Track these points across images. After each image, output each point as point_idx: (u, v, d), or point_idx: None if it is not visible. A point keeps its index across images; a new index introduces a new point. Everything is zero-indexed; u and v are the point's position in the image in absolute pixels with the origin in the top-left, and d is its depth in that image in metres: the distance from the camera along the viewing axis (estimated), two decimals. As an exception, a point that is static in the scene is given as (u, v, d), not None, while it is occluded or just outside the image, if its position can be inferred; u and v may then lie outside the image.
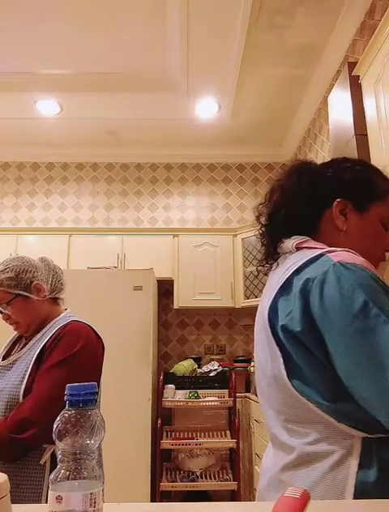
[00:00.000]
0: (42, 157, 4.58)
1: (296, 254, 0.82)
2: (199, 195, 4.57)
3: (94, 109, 3.84)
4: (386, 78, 1.79)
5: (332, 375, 0.70)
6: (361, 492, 0.67)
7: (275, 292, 0.79)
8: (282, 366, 0.75)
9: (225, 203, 4.55)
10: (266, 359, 0.81)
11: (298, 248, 0.83)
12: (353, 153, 2.14)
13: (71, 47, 3.08)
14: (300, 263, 0.77)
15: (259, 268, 0.92)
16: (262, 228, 0.91)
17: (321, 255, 0.76)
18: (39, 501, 1.13)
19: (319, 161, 0.96)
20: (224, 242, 4.07)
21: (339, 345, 0.68)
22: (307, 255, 0.78)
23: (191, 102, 3.75)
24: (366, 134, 2.00)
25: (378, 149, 1.87)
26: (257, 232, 0.92)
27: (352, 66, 2.24)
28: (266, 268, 0.91)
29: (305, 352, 0.73)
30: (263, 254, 0.91)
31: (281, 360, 0.76)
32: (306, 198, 0.87)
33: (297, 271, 0.77)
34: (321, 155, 3.59)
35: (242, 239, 4.03)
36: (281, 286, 0.78)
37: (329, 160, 0.97)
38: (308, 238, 0.84)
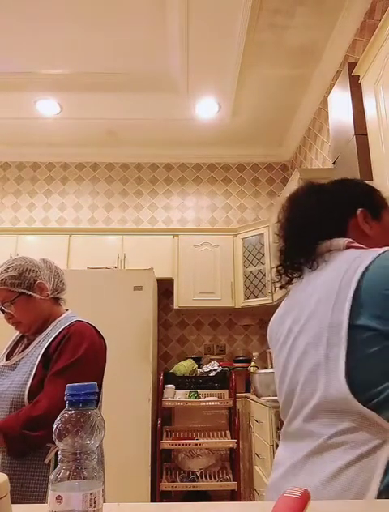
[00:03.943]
0: (42, 157, 4.58)
1: (348, 252, 0.88)
2: (199, 195, 4.57)
3: (94, 109, 3.84)
4: (386, 78, 1.79)
5: None
6: (387, 483, 0.69)
7: (352, 287, 0.79)
8: (342, 353, 0.76)
9: (225, 203, 4.55)
10: (312, 344, 0.82)
11: (348, 247, 0.91)
12: (353, 153, 2.15)
13: (71, 47, 3.08)
14: (367, 262, 0.80)
15: (292, 271, 0.99)
16: (293, 234, 1.00)
17: (383, 252, 0.82)
18: (44, 500, 1.14)
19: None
20: (224, 242, 4.07)
21: None
22: (367, 254, 0.82)
23: (191, 102, 3.75)
24: (366, 134, 2.00)
25: (378, 149, 1.87)
26: (288, 240, 1.01)
27: (352, 66, 2.24)
28: (297, 267, 0.98)
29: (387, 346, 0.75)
30: (295, 253, 0.98)
31: (343, 351, 0.76)
32: (332, 209, 0.98)
33: (367, 270, 0.81)
34: (321, 155, 3.58)
35: (242, 239, 4.02)
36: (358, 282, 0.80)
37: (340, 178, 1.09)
38: (352, 239, 0.92)
